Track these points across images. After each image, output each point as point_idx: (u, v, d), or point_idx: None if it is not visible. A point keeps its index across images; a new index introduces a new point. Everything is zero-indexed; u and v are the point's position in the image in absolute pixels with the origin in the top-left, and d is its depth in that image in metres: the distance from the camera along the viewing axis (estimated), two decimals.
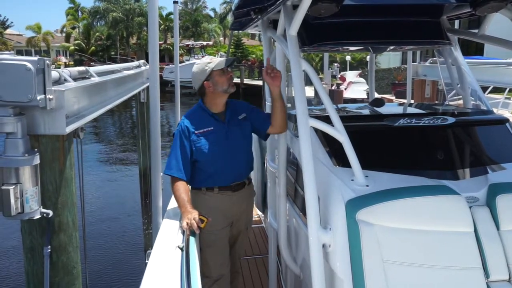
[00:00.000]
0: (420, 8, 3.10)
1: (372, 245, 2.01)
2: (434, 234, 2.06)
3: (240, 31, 4.64)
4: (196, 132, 2.99)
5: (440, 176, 2.43)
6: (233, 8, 3.32)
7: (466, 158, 2.83)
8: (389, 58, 30.61)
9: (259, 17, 3.20)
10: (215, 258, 3.09)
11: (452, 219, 2.11)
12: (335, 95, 17.81)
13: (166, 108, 22.39)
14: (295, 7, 2.39)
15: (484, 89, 9.63)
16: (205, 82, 3.01)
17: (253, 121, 3.13)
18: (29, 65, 2.87)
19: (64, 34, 56.83)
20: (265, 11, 3.02)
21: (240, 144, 3.11)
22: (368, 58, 5.29)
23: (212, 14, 59.79)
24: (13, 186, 2.87)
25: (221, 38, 55.64)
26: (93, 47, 53.67)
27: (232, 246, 3.27)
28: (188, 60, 33.84)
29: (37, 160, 3.02)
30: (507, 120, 2.97)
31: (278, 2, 2.64)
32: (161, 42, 46.23)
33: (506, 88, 10.89)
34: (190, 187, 3.05)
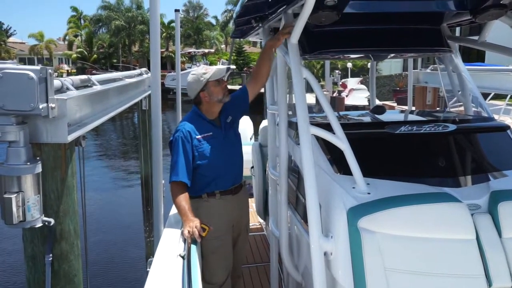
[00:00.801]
0: (421, 16, 3.12)
1: (374, 253, 2.00)
2: (436, 242, 2.06)
3: (242, 39, 4.67)
4: (197, 137, 3.03)
5: (441, 184, 2.43)
6: (234, 16, 3.34)
7: (468, 165, 2.82)
8: (390, 65, 30.65)
9: (260, 25, 3.22)
10: (219, 263, 3.11)
11: (454, 227, 2.10)
12: (337, 102, 17.84)
13: (168, 115, 22.44)
14: (296, 15, 2.40)
15: (485, 95, 9.63)
16: (201, 92, 3.07)
17: (235, 110, 3.25)
18: (31, 74, 2.88)
19: (66, 42, 57.11)
20: (266, 19, 3.04)
21: (235, 146, 3.24)
22: (369, 65, 5.31)
23: (213, 21, 60.14)
24: (15, 195, 2.87)
25: (223, 46, 55.84)
26: (95, 55, 53.87)
27: (233, 249, 3.28)
28: (190, 67, 33.93)
29: (39, 169, 3.02)
30: (508, 127, 2.97)
31: (279, 11, 2.65)
32: (163, 50, 46.40)
33: (507, 95, 10.89)
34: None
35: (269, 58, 3.05)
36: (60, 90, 3.48)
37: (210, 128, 3.10)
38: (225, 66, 3.21)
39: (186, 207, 2.87)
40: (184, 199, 2.91)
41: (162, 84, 3.50)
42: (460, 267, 2.04)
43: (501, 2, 2.30)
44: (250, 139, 7.25)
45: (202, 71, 3.09)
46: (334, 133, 2.26)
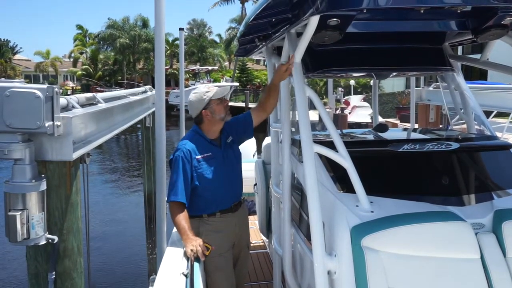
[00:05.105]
0: (423, 35, 3.15)
1: (377, 272, 1.99)
2: (440, 261, 2.05)
3: (245, 57, 4.72)
4: (197, 157, 3.03)
5: (445, 202, 2.42)
6: (238, 35, 3.39)
7: (471, 184, 2.82)
8: (393, 82, 30.72)
9: (264, 44, 3.26)
10: (226, 280, 3.10)
11: (458, 246, 2.09)
12: (340, 119, 17.82)
13: (171, 132, 22.49)
14: (299, 34, 2.44)
15: (488, 113, 9.60)
16: (203, 111, 3.07)
17: (237, 132, 3.25)
18: (38, 93, 2.92)
19: (71, 59, 57.64)
20: (270, 38, 3.08)
21: (235, 166, 3.23)
22: (372, 82, 5.34)
23: (217, 39, 60.61)
24: (20, 212, 2.88)
25: (226, 63, 56.18)
26: (100, 72, 54.25)
27: (234, 266, 3.27)
28: (194, 84, 34.11)
29: (44, 186, 3.04)
30: (511, 145, 2.97)
31: (282, 30, 2.69)
32: (167, 67, 46.74)
33: (510, 113, 10.86)
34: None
35: (276, 91, 3.05)
36: (66, 108, 3.51)
37: (210, 148, 3.10)
38: (228, 84, 3.22)
39: (186, 227, 2.87)
40: (183, 218, 2.91)
41: (166, 101, 3.53)
42: (465, 286, 2.03)
43: (502, 22, 2.33)
44: (253, 156, 7.25)
45: (204, 90, 3.11)
46: (337, 151, 2.27)
